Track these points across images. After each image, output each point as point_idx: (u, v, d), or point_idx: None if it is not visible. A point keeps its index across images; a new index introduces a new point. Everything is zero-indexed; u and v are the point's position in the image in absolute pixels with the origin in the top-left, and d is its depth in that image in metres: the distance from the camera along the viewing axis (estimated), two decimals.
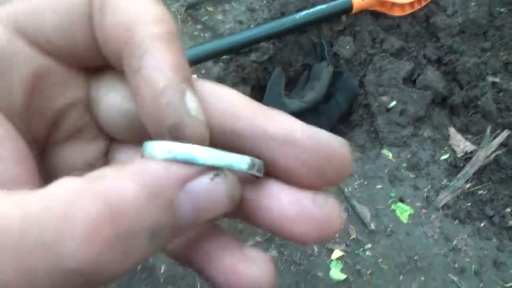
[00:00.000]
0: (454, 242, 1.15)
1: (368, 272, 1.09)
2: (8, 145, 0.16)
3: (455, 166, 1.28)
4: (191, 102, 0.16)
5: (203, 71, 1.35)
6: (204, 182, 0.15)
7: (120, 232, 0.13)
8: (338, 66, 1.39)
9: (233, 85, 1.30)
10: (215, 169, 0.15)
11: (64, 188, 0.13)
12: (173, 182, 0.14)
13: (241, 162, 0.16)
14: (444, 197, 1.21)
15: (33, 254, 0.12)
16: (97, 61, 0.19)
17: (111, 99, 0.19)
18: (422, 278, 1.10)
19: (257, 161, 0.17)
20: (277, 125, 0.17)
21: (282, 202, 0.17)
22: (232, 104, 0.17)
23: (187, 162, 0.15)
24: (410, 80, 1.38)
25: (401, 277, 1.09)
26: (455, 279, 1.10)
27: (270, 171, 0.18)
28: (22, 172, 0.16)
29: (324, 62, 1.37)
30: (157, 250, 0.14)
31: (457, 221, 1.19)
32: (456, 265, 1.12)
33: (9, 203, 0.13)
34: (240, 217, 0.18)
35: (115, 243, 0.13)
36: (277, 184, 0.18)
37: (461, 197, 1.23)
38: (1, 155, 0.16)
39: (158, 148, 0.15)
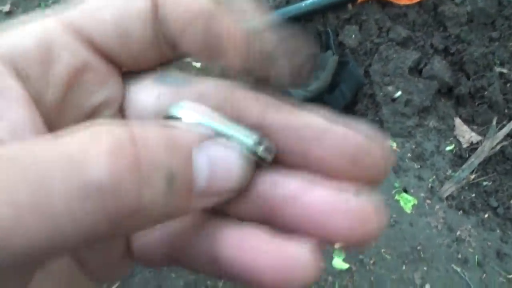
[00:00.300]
0: (458, 233, 1.15)
1: (371, 262, 1.09)
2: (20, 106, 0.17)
3: (460, 157, 1.27)
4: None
5: None
6: (219, 145, 0.16)
7: (140, 156, 0.13)
8: (343, 56, 1.38)
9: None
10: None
11: (90, 123, 0.14)
12: (191, 135, 0.15)
13: (247, 136, 0.17)
14: (449, 188, 1.21)
15: (51, 169, 0.12)
16: (145, 60, 0.20)
17: (145, 98, 0.20)
18: (425, 268, 1.10)
19: (267, 141, 0.17)
20: (310, 116, 0.17)
21: (318, 195, 0.16)
22: (260, 100, 0.18)
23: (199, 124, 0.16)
24: (416, 69, 1.37)
25: (404, 267, 1.09)
26: (458, 269, 1.10)
27: (303, 167, 0.17)
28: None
29: (330, 51, 1.36)
30: (173, 203, 0.14)
31: (461, 211, 1.19)
32: (460, 256, 1.12)
33: (34, 143, 0.13)
34: (261, 218, 0.18)
35: (135, 167, 0.13)
36: (310, 176, 0.17)
37: (466, 188, 1.22)
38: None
39: (175, 110, 0.17)
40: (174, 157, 0.14)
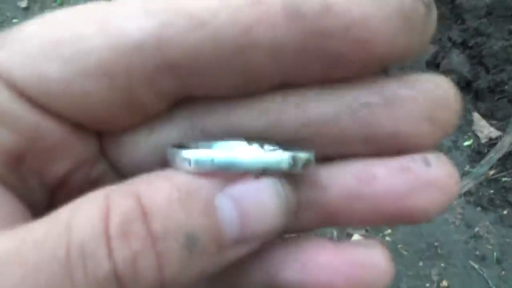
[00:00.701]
0: (476, 229, 1.13)
1: None
2: None
3: (478, 152, 1.25)
4: None
5: None
6: (246, 182, 0.14)
7: (153, 228, 0.12)
8: None
9: None
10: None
11: (92, 197, 0.13)
12: (209, 182, 0.13)
13: (279, 161, 0.14)
14: (467, 184, 1.19)
15: (66, 264, 0.12)
16: (124, 120, 0.16)
17: (136, 154, 0.17)
18: (442, 265, 1.09)
19: (301, 155, 0.15)
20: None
21: (385, 177, 0.15)
22: None
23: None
24: (434, 63, 1.35)
25: (420, 263, 1.08)
26: (476, 266, 1.09)
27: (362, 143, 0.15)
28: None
29: None
30: (200, 265, 0.13)
31: (479, 208, 1.17)
32: (477, 252, 1.10)
33: (36, 227, 0.13)
34: (325, 223, 0.16)
35: (149, 244, 0.12)
36: (369, 160, 0.15)
37: (484, 183, 1.20)
38: None
39: (187, 156, 0.14)
40: (193, 215, 0.13)
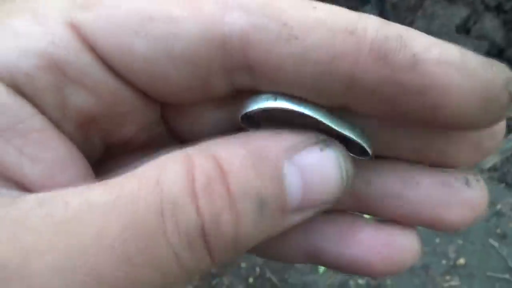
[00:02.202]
0: (498, 207, 1.12)
1: None
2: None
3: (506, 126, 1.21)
4: None
5: None
6: (312, 153, 0.15)
7: (231, 189, 0.13)
8: (383, 12, 1.33)
9: None
10: (324, 141, 0.15)
11: (173, 157, 0.14)
12: (279, 149, 0.14)
13: (349, 130, 0.15)
14: (491, 159, 1.16)
15: (153, 219, 0.13)
16: (197, 97, 0.16)
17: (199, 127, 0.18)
18: (460, 242, 1.08)
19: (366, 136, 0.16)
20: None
21: (427, 186, 0.17)
22: None
23: (296, 113, 0.15)
24: (465, 28, 1.31)
25: (437, 240, 1.08)
26: (496, 244, 1.07)
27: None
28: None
29: (368, 6, 1.33)
30: (266, 228, 0.14)
31: (503, 184, 1.15)
32: (498, 231, 1.09)
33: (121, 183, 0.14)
34: (360, 209, 0.18)
35: (230, 203, 0.13)
36: (414, 166, 0.17)
37: (510, 159, 1.18)
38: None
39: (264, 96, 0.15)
40: (264, 178, 0.14)
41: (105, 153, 0.18)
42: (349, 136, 0.15)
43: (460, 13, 1.28)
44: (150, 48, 0.14)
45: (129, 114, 0.16)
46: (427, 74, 0.13)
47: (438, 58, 0.13)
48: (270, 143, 0.14)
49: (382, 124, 0.16)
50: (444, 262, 1.06)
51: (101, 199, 0.13)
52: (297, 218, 0.15)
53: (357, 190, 0.17)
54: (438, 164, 0.17)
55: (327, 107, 0.15)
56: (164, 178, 0.13)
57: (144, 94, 0.16)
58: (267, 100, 0.15)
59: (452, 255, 1.06)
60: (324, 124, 0.15)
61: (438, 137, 0.16)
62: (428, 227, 0.17)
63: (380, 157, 0.17)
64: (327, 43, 0.13)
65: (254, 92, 0.15)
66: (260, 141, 0.15)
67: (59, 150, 0.15)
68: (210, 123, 0.17)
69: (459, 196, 0.16)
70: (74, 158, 0.16)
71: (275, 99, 0.15)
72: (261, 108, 0.15)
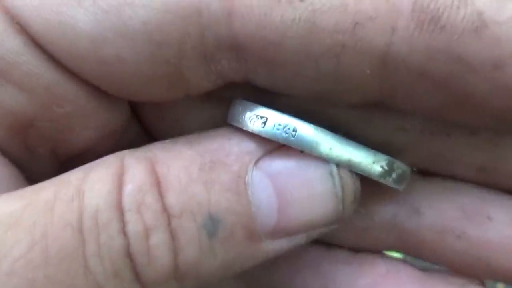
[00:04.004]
0: None
1: None
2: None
3: None
4: None
5: None
6: (288, 155, 0.11)
7: (167, 205, 0.10)
8: None
9: None
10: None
11: (103, 160, 0.11)
12: (241, 150, 0.11)
13: (371, 161, 0.11)
14: None
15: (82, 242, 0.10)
16: (155, 93, 0.12)
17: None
18: None
19: (400, 164, 0.11)
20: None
21: (503, 223, 0.12)
22: None
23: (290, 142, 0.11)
24: None
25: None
26: None
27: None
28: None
29: None
30: (226, 256, 0.11)
31: None
32: None
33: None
34: (400, 248, 0.14)
35: (162, 220, 0.10)
36: (484, 192, 0.13)
37: None
38: None
39: (263, 114, 0.11)
40: (216, 191, 0.10)
41: (70, 162, 0.14)
42: (367, 175, 0.11)
43: None
44: (98, 24, 0.10)
45: (79, 117, 0.12)
46: (501, 41, 0.09)
47: None
48: (229, 143, 0.11)
49: (432, 127, 0.12)
50: None
51: (7, 209, 0.10)
52: (280, 244, 0.11)
53: (399, 223, 0.13)
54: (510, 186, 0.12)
55: (349, 106, 0.12)
56: (88, 185, 0.10)
57: (96, 88, 0.12)
58: (258, 110, 0.11)
59: None
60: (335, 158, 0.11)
61: None
62: (502, 280, 0.13)
63: (431, 175, 0.13)
64: (345, 2, 0.10)
65: (247, 87, 0.12)
66: (217, 141, 0.11)
67: None
68: (200, 122, 0.14)
69: None
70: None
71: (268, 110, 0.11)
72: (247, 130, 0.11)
